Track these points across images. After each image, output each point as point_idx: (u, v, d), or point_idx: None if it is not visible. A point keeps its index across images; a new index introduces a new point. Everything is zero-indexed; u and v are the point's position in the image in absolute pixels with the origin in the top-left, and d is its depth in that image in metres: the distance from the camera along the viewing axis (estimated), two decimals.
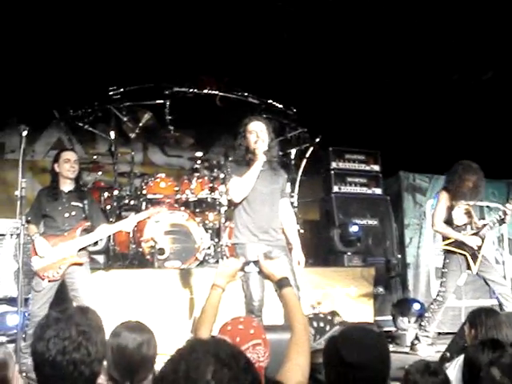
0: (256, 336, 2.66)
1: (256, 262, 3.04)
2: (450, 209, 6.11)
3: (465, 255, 6.04)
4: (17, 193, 4.74)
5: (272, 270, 2.93)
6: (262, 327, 2.78)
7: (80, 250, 5.25)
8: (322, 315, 3.24)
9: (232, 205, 5.00)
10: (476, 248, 6.01)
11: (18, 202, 4.73)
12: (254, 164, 4.69)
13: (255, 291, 4.49)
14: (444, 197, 6.14)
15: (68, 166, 5.33)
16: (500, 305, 5.88)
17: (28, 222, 4.97)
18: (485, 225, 6.13)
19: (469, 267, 6.05)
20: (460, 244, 6.04)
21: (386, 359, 2.31)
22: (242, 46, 7.68)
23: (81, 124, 7.14)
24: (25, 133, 4.76)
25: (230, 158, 5.92)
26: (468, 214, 6.19)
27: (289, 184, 5.42)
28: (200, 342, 1.70)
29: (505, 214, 6.03)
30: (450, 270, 6.06)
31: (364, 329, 2.48)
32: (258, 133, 4.77)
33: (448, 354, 4.39)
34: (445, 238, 6.19)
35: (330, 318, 3.24)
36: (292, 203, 7.13)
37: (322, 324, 3.18)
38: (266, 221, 4.76)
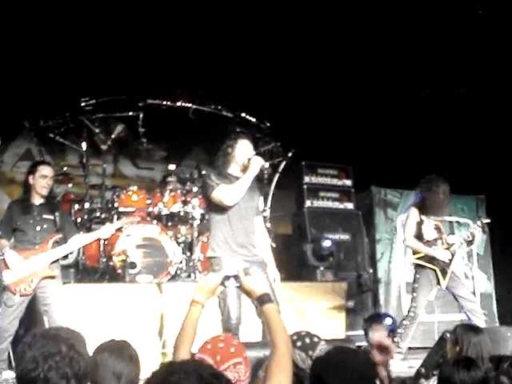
0: (237, 355, 2.62)
1: (236, 277, 2.99)
2: (420, 224, 6.16)
3: (435, 270, 6.09)
4: None
5: (253, 286, 2.90)
6: (242, 346, 2.73)
7: (52, 262, 5.15)
8: (303, 333, 3.20)
9: (210, 216, 4.95)
10: (446, 262, 6.07)
11: None
12: (248, 172, 4.71)
13: (233, 309, 4.44)
14: (413, 212, 6.20)
15: (44, 182, 5.24)
16: (469, 320, 5.93)
17: None
18: (454, 243, 6.19)
19: (438, 282, 6.10)
20: (430, 259, 6.09)
21: (371, 381, 2.28)
22: (216, 59, 7.66)
23: (51, 135, 7.01)
24: None
25: (204, 172, 5.92)
26: (438, 229, 6.25)
27: (261, 199, 5.45)
28: (179, 364, 1.67)
29: (472, 235, 6.11)
30: (420, 285, 6.09)
31: (347, 352, 2.46)
32: (250, 152, 4.83)
33: (423, 370, 4.38)
34: (415, 253, 6.24)
35: (310, 333, 3.21)
36: (265, 217, 7.11)
37: (307, 340, 3.14)
38: (245, 236, 4.74)
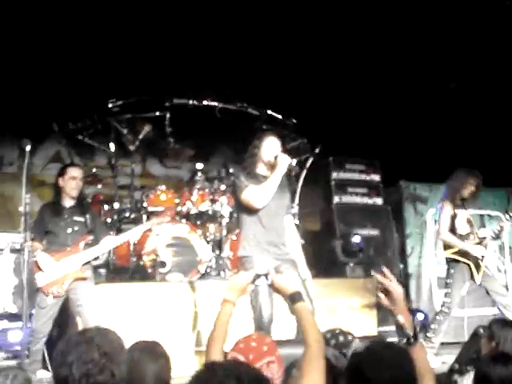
0: (269, 353, 2.62)
1: (267, 276, 2.99)
2: (454, 217, 6.10)
3: (468, 264, 6.03)
4: (21, 209, 4.68)
5: (284, 285, 2.89)
6: (275, 344, 2.73)
7: (84, 264, 5.20)
8: (337, 330, 3.18)
9: (240, 215, 4.93)
10: (480, 258, 6.00)
11: (22, 218, 4.66)
12: (275, 171, 4.68)
13: (265, 307, 4.43)
14: (447, 205, 6.13)
15: (74, 183, 5.31)
16: (501, 315, 5.88)
17: (32, 239, 4.91)
18: (485, 237, 6.13)
19: (472, 277, 6.04)
20: (464, 253, 6.03)
21: (411, 376, 2.27)
22: (241, 57, 7.66)
23: (80, 137, 7.08)
24: (28, 147, 4.70)
25: (233, 170, 5.92)
26: (469, 223, 6.19)
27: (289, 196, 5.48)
28: (220, 365, 1.69)
29: (501, 228, 6.05)
30: (454, 280, 6.04)
31: (388, 345, 2.45)
32: (277, 150, 4.80)
33: (457, 366, 4.34)
34: (447, 247, 6.17)
35: (344, 331, 3.19)
36: (293, 214, 7.10)
37: (341, 338, 3.13)
38: (275, 235, 4.74)
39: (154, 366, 2.66)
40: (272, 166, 4.74)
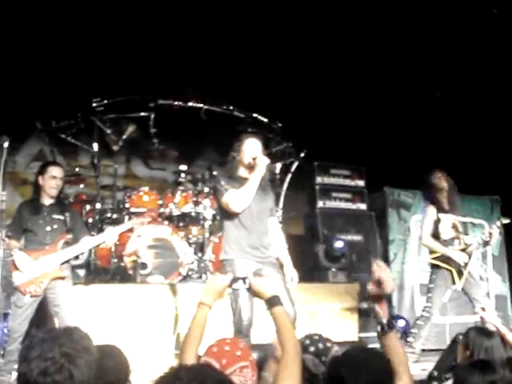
0: (243, 358, 2.58)
1: (245, 279, 2.95)
2: (437, 222, 6.10)
3: (450, 270, 6.02)
4: None
5: (262, 288, 2.85)
6: (249, 349, 2.69)
7: (62, 263, 5.14)
8: (316, 337, 3.14)
9: (222, 218, 4.91)
10: (462, 264, 6.00)
11: None
12: (254, 173, 4.65)
13: (244, 310, 4.39)
14: (431, 210, 6.13)
15: (53, 183, 5.24)
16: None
17: (9, 236, 4.83)
18: (471, 244, 6.13)
19: (454, 283, 6.03)
20: (446, 259, 6.02)
21: (389, 380, 2.26)
22: (227, 59, 7.64)
23: (63, 136, 7.02)
24: (6, 144, 4.63)
25: (216, 173, 5.89)
26: (455, 228, 6.18)
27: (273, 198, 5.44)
28: (185, 369, 1.66)
29: (490, 235, 6.04)
30: (436, 286, 6.04)
31: (366, 350, 2.44)
32: (256, 151, 4.75)
33: (436, 373, 4.32)
34: (431, 252, 6.17)
35: (323, 337, 3.15)
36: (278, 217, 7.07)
37: (320, 345, 3.08)
38: (257, 238, 4.71)
39: (113, 362, 2.63)
40: (250, 168, 4.71)
